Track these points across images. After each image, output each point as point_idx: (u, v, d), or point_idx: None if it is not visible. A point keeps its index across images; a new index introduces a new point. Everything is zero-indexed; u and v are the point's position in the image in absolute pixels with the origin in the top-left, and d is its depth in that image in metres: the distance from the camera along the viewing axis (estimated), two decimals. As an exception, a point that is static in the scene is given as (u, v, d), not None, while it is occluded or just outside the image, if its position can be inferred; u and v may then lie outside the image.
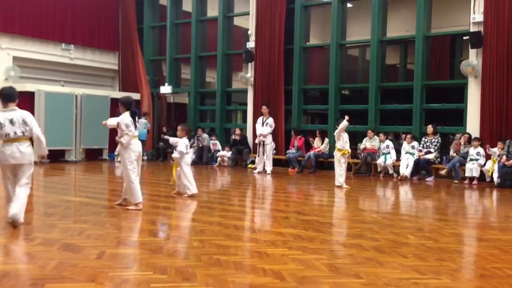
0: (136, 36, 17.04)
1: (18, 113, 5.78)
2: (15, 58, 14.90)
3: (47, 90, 14.24)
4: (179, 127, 8.52)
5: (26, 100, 14.19)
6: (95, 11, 16.63)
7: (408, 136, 11.89)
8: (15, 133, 5.65)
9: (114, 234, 5.26)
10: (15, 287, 3.45)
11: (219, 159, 14.41)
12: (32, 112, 13.85)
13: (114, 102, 15.93)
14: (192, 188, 8.14)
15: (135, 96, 16.65)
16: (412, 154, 11.66)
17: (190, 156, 8.41)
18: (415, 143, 11.80)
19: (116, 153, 12.57)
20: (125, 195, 7.04)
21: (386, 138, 12.33)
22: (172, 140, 8.54)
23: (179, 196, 8.17)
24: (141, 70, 16.86)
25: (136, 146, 6.99)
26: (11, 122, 5.67)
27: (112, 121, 7.50)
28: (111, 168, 13.60)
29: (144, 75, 16.90)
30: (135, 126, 6.95)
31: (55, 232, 5.27)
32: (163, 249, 4.69)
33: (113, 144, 15.67)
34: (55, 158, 14.15)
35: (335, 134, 10.11)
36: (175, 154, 8.19)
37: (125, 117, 6.94)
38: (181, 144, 8.19)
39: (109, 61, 17.51)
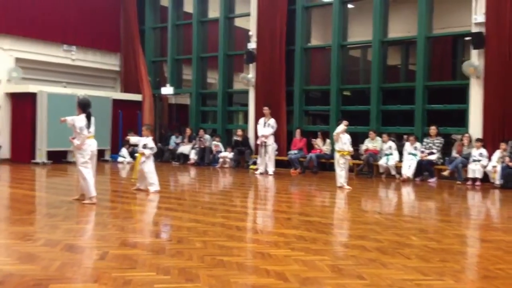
0: (137, 37, 17.04)
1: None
2: (17, 60, 14.93)
3: (49, 91, 14.26)
4: (143, 127, 9.22)
5: (29, 101, 14.25)
6: (97, 13, 16.65)
7: (412, 137, 11.87)
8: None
9: (116, 235, 5.26)
10: (18, 287, 3.45)
11: (221, 160, 14.41)
12: (34, 113, 14.08)
13: (116, 103, 15.97)
14: (156, 185, 8.59)
15: (137, 97, 16.69)
16: (415, 155, 11.64)
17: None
18: (417, 144, 11.78)
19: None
20: (81, 190, 7.48)
21: (390, 139, 12.31)
22: (134, 139, 9.19)
23: (140, 192, 8.53)
24: (143, 71, 16.86)
25: (90, 146, 7.42)
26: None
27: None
28: (113, 169, 13.60)
29: (146, 76, 16.91)
30: (89, 127, 7.37)
31: (58, 233, 5.27)
32: (166, 250, 4.69)
33: (115, 145, 15.74)
34: (57, 159, 14.17)
35: (333, 135, 10.14)
36: (147, 151, 8.59)
37: (80, 120, 7.32)
38: (151, 141, 8.70)
39: (110, 62, 17.52)
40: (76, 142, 7.30)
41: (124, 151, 15.51)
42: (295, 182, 11.37)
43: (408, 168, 11.50)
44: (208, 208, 7.30)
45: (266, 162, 12.64)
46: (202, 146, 14.95)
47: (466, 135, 11.37)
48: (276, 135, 13.14)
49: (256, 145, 13.54)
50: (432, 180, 11.30)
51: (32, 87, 14.29)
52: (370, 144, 12.45)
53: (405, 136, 12.46)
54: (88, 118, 7.39)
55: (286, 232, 5.58)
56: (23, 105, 14.46)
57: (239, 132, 14.85)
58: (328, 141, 13.15)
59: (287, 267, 4.16)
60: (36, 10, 15.01)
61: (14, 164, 13.72)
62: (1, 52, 14.55)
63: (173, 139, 15.95)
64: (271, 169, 12.58)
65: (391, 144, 12.15)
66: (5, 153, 14.47)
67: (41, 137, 13.97)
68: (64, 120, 7.47)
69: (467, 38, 12.70)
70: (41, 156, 13.96)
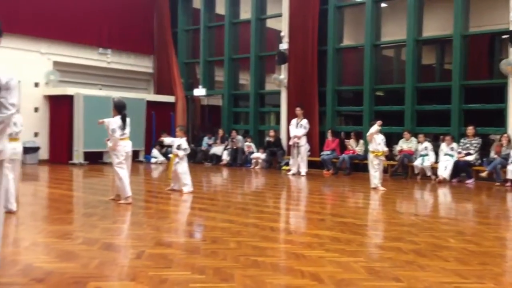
0: (170, 40, 17.26)
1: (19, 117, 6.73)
2: (55, 63, 15.34)
3: (86, 93, 14.59)
4: (177, 128, 9.26)
5: (66, 104, 14.61)
6: (131, 16, 16.94)
7: (448, 137, 11.61)
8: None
9: (152, 235, 5.33)
10: (59, 285, 3.53)
11: (253, 161, 14.44)
12: (71, 115, 14.42)
13: (149, 104, 16.22)
14: (190, 186, 8.63)
15: (170, 98, 16.90)
16: (451, 156, 11.39)
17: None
18: (454, 145, 11.53)
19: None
20: (117, 191, 7.56)
21: (426, 140, 12.07)
22: (167, 140, 9.28)
23: (174, 192, 8.59)
24: (176, 73, 17.06)
25: (125, 147, 7.54)
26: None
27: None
28: (147, 170, 13.81)
29: (179, 78, 17.11)
30: (124, 128, 7.51)
31: (96, 232, 5.38)
32: (201, 249, 4.72)
33: (149, 146, 15.98)
34: (94, 160, 14.48)
35: (367, 136, 10.02)
36: (181, 152, 8.64)
37: (114, 122, 7.44)
38: (184, 142, 8.74)
39: (144, 64, 17.81)
40: (109, 144, 7.48)
41: (155, 152, 15.73)
42: (328, 183, 11.29)
43: (444, 169, 11.26)
44: (241, 209, 7.32)
45: (299, 163, 12.60)
46: (235, 147, 15.02)
47: (505, 135, 11.06)
48: (309, 135, 13.07)
49: (289, 146, 13.51)
50: (470, 182, 11.03)
51: (69, 90, 14.66)
52: (405, 144, 12.25)
53: (441, 137, 12.21)
54: (124, 119, 7.53)
55: (320, 233, 5.54)
56: (60, 107, 14.84)
57: (272, 133, 14.85)
58: (361, 141, 13.01)
59: (322, 268, 4.13)
60: (72, 15, 15.37)
61: (52, 165, 14.10)
62: (39, 56, 14.97)
63: (205, 140, 16.08)
64: (303, 170, 12.53)
65: (427, 144, 11.91)
66: (44, 154, 14.87)
67: (78, 138, 14.30)
68: (102, 122, 7.63)
69: (504, 36, 12.35)
70: (78, 157, 14.30)
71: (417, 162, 11.83)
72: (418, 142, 12.08)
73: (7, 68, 3.45)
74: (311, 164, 13.12)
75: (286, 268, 4.17)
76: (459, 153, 11.34)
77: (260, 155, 14.38)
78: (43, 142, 14.86)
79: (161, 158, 15.41)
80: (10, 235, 5.27)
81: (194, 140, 16.82)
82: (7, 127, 3.48)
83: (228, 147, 15.17)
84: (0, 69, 3.40)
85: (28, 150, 13.73)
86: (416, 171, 11.93)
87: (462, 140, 11.61)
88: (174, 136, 9.93)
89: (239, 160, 14.84)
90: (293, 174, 12.50)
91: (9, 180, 6.35)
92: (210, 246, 4.83)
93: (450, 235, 5.61)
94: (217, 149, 15.42)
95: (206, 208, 7.32)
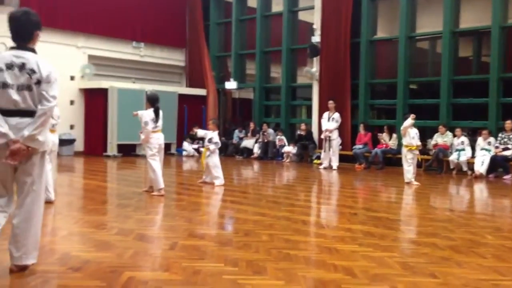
0: (202, 33, 17.34)
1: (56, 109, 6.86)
2: (90, 57, 15.63)
3: (120, 87, 14.82)
4: (210, 121, 9.32)
5: (100, 97, 14.89)
6: (164, 10, 17.10)
7: (485, 131, 11.32)
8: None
9: (184, 226, 5.38)
10: (95, 274, 3.60)
11: (284, 154, 14.40)
12: (105, 108, 14.67)
13: (181, 98, 16.36)
14: (221, 179, 8.64)
15: (202, 92, 17.00)
16: (488, 150, 11.10)
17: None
18: (491, 139, 11.22)
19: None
20: (150, 182, 7.62)
21: (462, 134, 11.78)
22: (201, 132, 9.20)
23: (205, 185, 8.63)
24: (207, 66, 17.15)
25: (158, 139, 7.60)
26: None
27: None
28: (179, 162, 13.96)
29: (210, 71, 17.19)
30: (157, 121, 7.54)
31: (130, 223, 5.46)
32: (233, 242, 4.74)
33: (180, 139, 16.14)
34: (127, 152, 14.72)
35: (401, 129, 9.85)
36: (212, 146, 8.66)
37: (147, 114, 7.50)
38: (216, 136, 8.75)
39: (176, 58, 17.96)
40: (142, 136, 7.57)
41: (186, 145, 15.86)
42: (360, 177, 11.17)
43: (481, 164, 10.98)
44: (272, 202, 7.32)
45: (330, 156, 12.51)
46: (266, 140, 15.01)
47: (545, 129, 10.72)
48: (341, 129, 12.95)
49: (320, 140, 13.41)
50: (507, 177, 10.72)
51: (103, 83, 14.92)
52: (440, 138, 12.00)
53: (479, 131, 11.90)
54: (157, 112, 7.61)
55: (353, 228, 5.48)
56: (95, 100, 15.13)
57: (303, 126, 14.78)
58: (394, 135, 12.82)
59: (355, 262, 4.09)
60: (107, 9, 15.64)
61: (87, 157, 14.41)
62: (75, 50, 15.27)
63: (236, 134, 16.12)
64: (335, 163, 12.43)
65: (464, 139, 11.62)
66: (79, 146, 15.21)
67: (112, 131, 14.56)
68: (136, 114, 7.74)
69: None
70: (112, 149, 14.56)
71: (453, 157, 11.58)
72: (454, 136, 11.80)
73: (48, 62, 3.53)
74: (342, 158, 13.01)
75: (318, 261, 4.14)
76: (497, 147, 11.03)
77: (291, 150, 14.34)
78: (78, 134, 15.19)
79: (191, 151, 15.55)
80: (48, 224, 5.41)
81: (225, 133, 16.90)
82: (49, 119, 3.56)
83: (259, 140, 15.17)
84: (41, 63, 3.47)
85: (64, 142, 14.07)
86: (452, 166, 11.68)
87: (500, 135, 11.29)
88: (205, 129, 9.98)
89: (270, 153, 14.83)
90: (325, 168, 12.41)
91: (48, 171, 6.53)
92: (242, 239, 4.84)
93: (487, 231, 5.47)
94: (248, 143, 15.44)
95: (237, 201, 7.35)
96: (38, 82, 3.43)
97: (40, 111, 3.41)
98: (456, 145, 11.69)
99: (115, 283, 3.41)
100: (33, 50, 3.54)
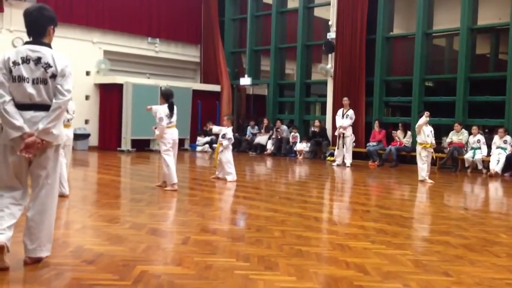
0: (217, 29, 17.35)
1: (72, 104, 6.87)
2: (105, 52, 15.73)
3: (134, 82, 14.91)
4: (225, 117, 9.31)
5: (115, 92, 14.99)
6: (179, 5, 17.14)
7: (501, 130, 11.17)
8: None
9: (197, 221, 5.40)
10: (108, 267, 3.64)
11: (298, 152, 14.36)
12: (120, 103, 14.77)
13: (196, 93, 16.40)
14: (233, 175, 8.68)
15: (216, 88, 17.03)
16: (504, 149, 10.95)
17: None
18: (507, 138, 11.08)
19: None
20: (164, 177, 7.65)
21: (479, 132, 11.64)
22: (215, 128, 9.21)
23: (218, 181, 8.66)
24: (222, 62, 17.16)
25: (172, 135, 7.63)
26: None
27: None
28: (192, 158, 14.01)
29: (225, 67, 17.20)
30: (171, 116, 7.58)
31: (143, 217, 5.50)
32: (245, 237, 4.75)
33: (194, 134, 16.19)
34: (141, 147, 14.81)
35: (416, 127, 9.78)
36: (225, 141, 8.69)
37: (161, 110, 7.52)
38: (230, 132, 8.75)
39: (191, 53, 18.01)
40: (156, 132, 7.60)
41: (199, 140, 15.93)
42: (373, 174, 11.11)
43: (497, 163, 10.85)
44: (285, 198, 7.31)
45: (344, 153, 12.45)
46: (279, 137, 15.00)
47: None
48: (355, 126, 12.89)
49: (334, 136, 13.36)
50: (524, 176, 10.60)
51: (118, 78, 15.02)
52: (455, 136, 11.88)
53: (496, 129, 11.75)
54: (171, 108, 7.64)
55: (366, 225, 5.46)
56: (110, 96, 15.24)
57: (317, 123, 14.74)
58: (409, 133, 12.72)
59: (368, 260, 4.07)
60: (123, 5, 15.73)
61: (102, 151, 14.53)
62: (91, 45, 15.39)
63: (249, 130, 16.13)
64: (348, 161, 12.37)
65: (480, 137, 11.48)
66: (94, 140, 15.34)
67: (126, 126, 14.66)
68: (150, 108, 7.78)
69: None
70: (126, 144, 14.66)
71: (468, 155, 11.46)
72: (470, 134, 11.67)
73: (63, 56, 3.56)
74: (356, 155, 12.95)
75: (330, 258, 4.13)
76: (513, 146, 10.89)
77: (304, 147, 14.29)
78: (93, 129, 15.32)
79: (204, 146, 15.62)
80: (62, 217, 5.47)
81: (239, 129, 16.92)
82: (64, 113, 3.58)
83: (273, 136, 15.16)
84: (56, 57, 3.50)
85: (79, 137, 14.21)
86: (467, 164, 11.56)
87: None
88: (219, 125, 10.01)
89: (283, 150, 14.81)
90: (338, 165, 12.37)
91: (63, 165, 6.60)
92: (254, 234, 4.84)
93: (502, 230, 5.41)
94: (261, 139, 15.45)
95: (250, 196, 7.36)
96: (53, 76, 3.46)
97: (54, 105, 3.44)
98: (471, 143, 11.56)
99: (127, 276, 3.43)
100: (49, 45, 3.56)
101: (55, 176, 3.62)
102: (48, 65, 3.45)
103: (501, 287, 3.52)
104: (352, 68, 13.93)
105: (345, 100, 12.77)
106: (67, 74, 3.50)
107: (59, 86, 3.46)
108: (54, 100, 3.45)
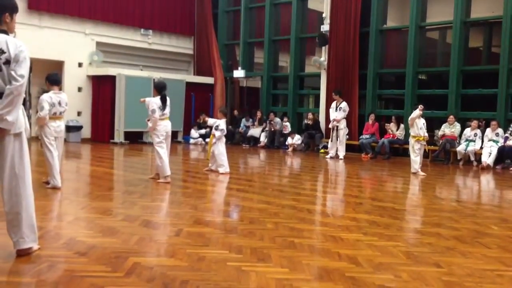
0: (211, 21, 17.28)
1: (64, 96, 6.89)
2: (98, 43, 15.63)
3: (127, 74, 14.83)
4: (219, 110, 9.31)
5: (108, 84, 14.91)
6: (172, -3, 17.04)
7: (494, 122, 11.24)
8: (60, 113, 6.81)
9: (190, 213, 5.40)
10: (101, 259, 3.64)
11: (289, 145, 14.38)
12: (113, 95, 14.70)
13: (189, 86, 16.35)
14: (226, 167, 8.71)
15: (209, 80, 16.98)
16: (496, 142, 11.02)
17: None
18: (499, 130, 11.15)
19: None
20: (157, 170, 7.65)
21: (478, 126, 11.64)
22: (211, 121, 9.17)
23: (211, 173, 8.69)
24: (215, 54, 17.10)
25: (165, 127, 7.62)
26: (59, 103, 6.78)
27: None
28: (185, 150, 13.99)
29: (218, 59, 17.15)
30: (164, 109, 7.55)
31: (136, 209, 5.50)
32: (238, 229, 4.76)
33: (187, 127, 16.16)
34: (134, 139, 14.77)
35: (408, 120, 9.81)
36: (217, 133, 8.72)
37: (153, 102, 7.50)
38: (223, 124, 8.78)
39: (184, 45, 17.93)
40: (149, 124, 7.58)
41: (193, 132, 15.92)
42: (366, 167, 11.15)
43: (489, 156, 10.92)
44: (278, 191, 7.33)
45: (337, 146, 12.47)
46: (272, 129, 15.00)
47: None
48: (348, 119, 12.90)
49: (327, 129, 13.38)
50: (515, 169, 10.68)
51: (111, 70, 14.93)
52: (447, 129, 11.93)
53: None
54: (164, 100, 7.62)
55: (358, 217, 5.49)
56: (103, 87, 15.16)
57: (310, 115, 14.75)
58: (402, 126, 12.76)
59: (360, 251, 4.09)
60: (115, -4, 15.59)
61: (94, 143, 14.47)
62: (83, 37, 15.28)
63: (243, 122, 16.12)
64: (341, 153, 12.40)
65: (478, 131, 11.49)
66: (86, 133, 15.27)
67: (119, 118, 14.60)
68: (144, 100, 7.75)
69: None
70: (119, 136, 14.61)
71: (461, 147, 11.52)
72: (468, 127, 11.70)
73: (18, 41, 3.47)
74: (349, 148, 12.98)
75: (323, 250, 4.15)
76: (506, 138, 10.94)
77: (295, 141, 14.30)
78: (85, 121, 15.25)
79: (198, 139, 15.62)
80: (55, 209, 5.45)
81: (232, 122, 16.90)
82: (18, 99, 3.42)
83: (266, 129, 15.17)
84: (10, 42, 3.41)
85: (71, 129, 14.15)
86: (459, 157, 11.63)
87: (511, 125, 11.22)
88: (213, 117, 10.00)
89: (276, 142, 14.82)
90: (331, 158, 12.40)
91: (54, 157, 6.57)
92: (247, 227, 4.85)
93: (493, 222, 5.46)
94: (254, 131, 15.44)
95: (243, 189, 7.37)
96: (7, 62, 3.38)
97: (7, 91, 3.34)
98: (467, 135, 11.59)
99: (120, 268, 3.44)
100: (4, 31, 3.46)
101: (22, 166, 3.53)
102: (1, 51, 3.37)
103: (492, 278, 3.55)
104: (346, 61, 13.93)
105: (334, 96, 12.66)
106: (21, 59, 3.40)
107: (12, 72, 3.37)
108: (7, 86, 3.36)
